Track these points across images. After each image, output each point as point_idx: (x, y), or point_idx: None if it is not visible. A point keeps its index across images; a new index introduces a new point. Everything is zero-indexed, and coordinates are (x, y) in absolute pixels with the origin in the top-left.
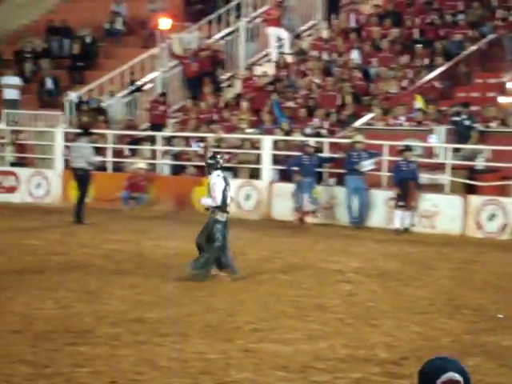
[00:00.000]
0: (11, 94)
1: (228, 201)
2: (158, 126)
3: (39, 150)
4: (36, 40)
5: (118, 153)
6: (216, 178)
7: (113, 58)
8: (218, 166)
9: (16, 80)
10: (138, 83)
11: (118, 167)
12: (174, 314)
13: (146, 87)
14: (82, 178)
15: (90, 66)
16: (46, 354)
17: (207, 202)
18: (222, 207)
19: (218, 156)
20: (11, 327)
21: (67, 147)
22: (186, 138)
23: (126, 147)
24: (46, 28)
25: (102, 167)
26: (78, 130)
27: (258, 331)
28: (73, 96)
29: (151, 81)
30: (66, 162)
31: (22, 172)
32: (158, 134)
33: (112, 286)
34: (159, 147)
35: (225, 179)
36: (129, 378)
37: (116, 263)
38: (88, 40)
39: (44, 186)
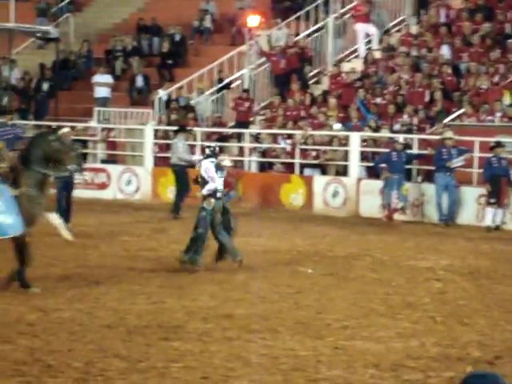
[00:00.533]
0: (102, 92)
1: (219, 187)
2: (243, 123)
3: (130, 147)
4: (126, 38)
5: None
6: (207, 164)
7: (201, 56)
8: (213, 155)
9: (107, 78)
10: (226, 81)
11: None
12: (263, 311)
13: (233, 84)
14: (176, 174)
15: (179, 63)
16: (139, 348)
17: (209, 187)
18: (212, 194)
19: (213, 144)
20: (104, 322)
21: (156, 144)
22: (274, 135)
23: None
24: (137, 26)
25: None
26: (174, 128)
27: (348, 329)
28: (162, 94)
29: (239, 78)
30: (156, 160)
31: (113, 169)
32: (246, 131)
33: (201, 281)
34: (246, 144)
35: (217, 166)
36: (221, 373)
37: (205, 259)
38: (177, 38)
39: (134, 182)
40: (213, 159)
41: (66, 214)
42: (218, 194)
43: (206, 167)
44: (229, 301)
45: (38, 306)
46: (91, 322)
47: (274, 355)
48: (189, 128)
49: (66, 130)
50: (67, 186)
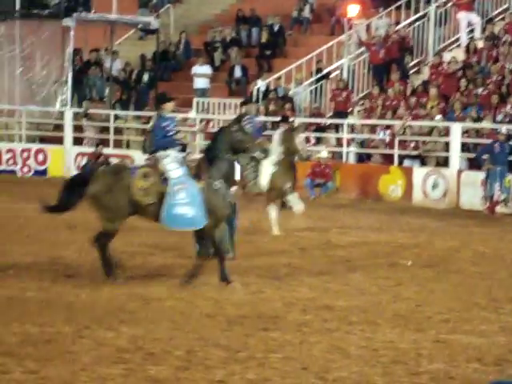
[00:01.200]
0: (201, 83)
1: None
2: (341, 113)
3: None
4: (226, 29)
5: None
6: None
7: (300, 46)
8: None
9: (206, 69)
10: (325, 71)
11: None
12: (362, 303)
13: (332, 75)
14: None
15: (277, 54)
16: (239, 338)
17: None
18: None
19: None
20: (204, 311)
21: None
22: (372, 126)
23: (311, 135)
24: (236, 17)
25: None
26: (277, 119)
27: (449, 322)
28: (260, 84)
29: (337, 68)
30: None
31: None
32: (344, 122)
33: (300, 273)
34: (345, 135)
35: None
36: (320, 364)
37: (303, 250)
38: (276, 28)
39: None
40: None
41: None
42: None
43: None
44: (328, 292)
45: (139, 294)
46: (192, 311)
47: (373, 347)
48: (291, 119)
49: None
50: None
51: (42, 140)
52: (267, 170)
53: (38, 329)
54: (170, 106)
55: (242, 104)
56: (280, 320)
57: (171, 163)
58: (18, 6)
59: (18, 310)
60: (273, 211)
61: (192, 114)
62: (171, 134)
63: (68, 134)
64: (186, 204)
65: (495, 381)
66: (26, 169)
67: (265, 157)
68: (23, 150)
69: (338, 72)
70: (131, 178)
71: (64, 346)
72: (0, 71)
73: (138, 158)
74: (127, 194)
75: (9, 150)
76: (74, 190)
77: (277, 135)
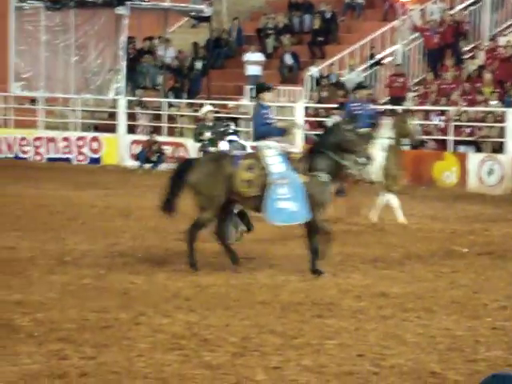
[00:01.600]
0: (254, 70)
1: None
2: (397, 99)
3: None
4: (278, 16)
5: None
6: (223, 144)
7: (353, 32)
8: (227, 132)
9: (258, 56)
10: (378, 57)
11: None
12: (417, 290)
13: (385, 61)
14: None
15: (330, 40)
16: (294, 325)
17: None
18: None
19: (229, 123)
20: (258, 298)
21: (307, 122)
22: (426, 112)
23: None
24: (288, 4)
25: None
26: (334, 105)
27: (507, 309)
28: (313, 71)
29: (391, 54)
30: (306, 138)
31: None
32: (398, 108)
33: (354, 259)
34: None
35: (230, 142)
36: (376, 351)
37: (357, 236)
38: (328, 15)
39: None
40: (230, 137)
41: None
42: None
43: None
44: (383, 279)
45: (194, 281)
46: (246, 298)
47: (430, 334)
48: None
49: (207, 107)
50: None
51: (97, 128)
52: (378, 157)
53: (95, 315)
54: (268, 95)
55: (354, 89)
56: (335, 307)
57: (273, 156)
58: None
59: (74, 297)
60: (394, 199)
61: (245, 101)
62: (270, 122)
63: (122, 122)
64: (288, 199)
65: (493, 373)
66: (81, 157)
67: (367, 164)
68: (78, 138)
69: (391, 58)
70: (234, 167)
71: (121, 333)
72: (55, 60)
73: (191, 145)
74: (228, 184)
75: (64, 139)
76: (178, 179)
77: (387, 120)
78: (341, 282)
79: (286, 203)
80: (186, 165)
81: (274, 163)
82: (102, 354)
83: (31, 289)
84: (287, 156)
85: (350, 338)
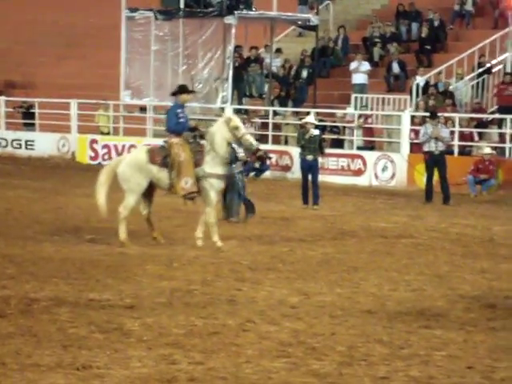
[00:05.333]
0: (359, 79)
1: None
2: (507, 108)
3: (386, 133)
4: (384, 25)
5: (464, 136)
6: None
7: (462, 41)
8: None
9: (364, 65)
10: (487, 65)
11: (464, 151)
12: None
13: (495, 69)
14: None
15: (437, 48)
16: (401, 335)
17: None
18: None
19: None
20: (365, 307)
21: (413, 131)
22: None
23: (473, 130)
24: (396, 12)
25: (449, 151)
26: (425, 114)
27: None
28: (420, 79)
29: (501, 62)
30: (412, 146)
31: (369, 155)
32: (508, 117)
33: (462, 270)
34: (508, 130)
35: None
36: (486, 364)
37: (465, 247)
38: (436, 23)
39: (390, 169)
40: None
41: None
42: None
43: None
44: (492, 291)
45: (299, 289)
46: (352, 307)
47: None
48: (439, 114)
49: (310, 118)
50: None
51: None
52: None
53: (202, 321)
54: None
55: None
56: (442, 318)
57: None
58: (182, 5)
59: (182, 303)
60: None
61: (350, 110)
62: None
63: None
64: None
65: None
66: None
67: None
68: None
69: (500, 66)
70: None
71: (228, 339)
72: (164, 69)
73: (295, 153)
74: None
75: None
76: None
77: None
78: (449, 293)
79: None
80: None
81: None
82: (210, 359)
83: (141, 293)
84: None
85: (459, 349)
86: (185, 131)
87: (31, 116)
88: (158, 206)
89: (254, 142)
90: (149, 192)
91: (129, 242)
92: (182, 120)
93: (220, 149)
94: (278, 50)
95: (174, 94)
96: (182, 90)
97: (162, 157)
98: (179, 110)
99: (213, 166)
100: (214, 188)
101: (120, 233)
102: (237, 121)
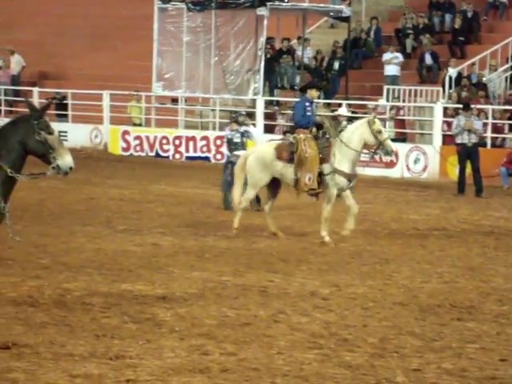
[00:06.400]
0: (392, 70)
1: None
2: None
3: (418, 125)
4: (417, 16)
5: (497, 128)
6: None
7: (495, 32)
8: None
9: (397, 56)
10: None
11: (497, 143)
12: None
13: None
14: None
15: (471, 40)
16: (433, 327)
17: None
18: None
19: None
20: (397, 299)
21: (446, 122)
22: None
23: (506, 122)
24: (429, 3)
25: (481, 143)
26: (458, 105)
27: None
28: (453, 71)
29: None
30: (444, 138)
31: (401, 147)
32: None
33: (495, 263)
34: None
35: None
36: None
37: (497, 240)
38: (470, 14)
39: (422, 161)
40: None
41: None
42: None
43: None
44: None
45: (331, 280)
46: (384, 299)
47: None
48: (472, 106)
49: (342, 109)
50: None
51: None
52: None
53: (234, 312)
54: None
55: None
56: (475, 310)
57: None
58: None
59: (214, 293)
60: None
61: (382, 101)
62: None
63: (259, 122)
64: None
65: None
66: (218, 156)
67: None
68: (217, 138)
69: None
70: None
71: (260, 330)
72: (196, 60)
73: None
74: None
75: (203, 138)
76: None
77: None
78: (481, 286)
79: None
80: None
81: None
82: (242, 350)
83: (173, 284)
84: None
85: (492, 342)
86: (311, 126)
87: (64, 107)
88: (191, 198)
89: (394, 149)
90: (274, 187)
91: (237, 231)
92: (308, 114)
93: (355, 147)
94: (307, 41)
95: (303, 89)
96: (312, 85)
97: (288, 153)
98: (307, 104)
99: (342, 163)
100: (336, 185)
101: (235, 221)
102: (379, 124)
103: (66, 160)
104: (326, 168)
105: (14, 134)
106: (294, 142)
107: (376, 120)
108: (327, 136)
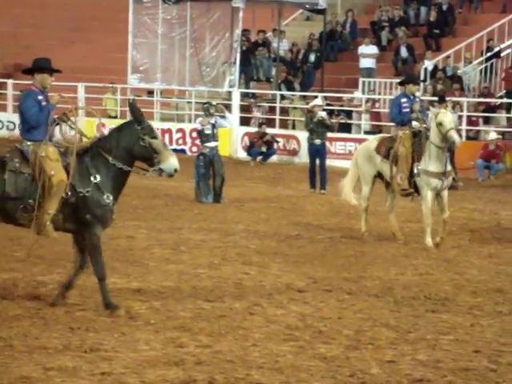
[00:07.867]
0: (367, 63)
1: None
2: None
3: None
4: (393, 8)
5: (472, 121)
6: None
7: (470, 25)
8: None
9: (372, 49)
10: (496, 49)
11: (472, 135)
12: None
13: (503, 53)
14: None
15: (446, 33)
16: (408, 319)
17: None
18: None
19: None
20: (372, 291)
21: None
22: None
23: (480, 115)
24: None
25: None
26: (433, 98)
27: None
28: (428, 64)
29: (509, 47)
30: None
31: None
32: None
33: (469, 255)
34: None
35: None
36: (493, 348)
37: (472, 232)
38: (445, 7)
39: None
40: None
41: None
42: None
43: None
44: (499, 275)
45: (307, 273)
46: (359, 291)
47: None
48: (448, 99)
49: (317, 101)
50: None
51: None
52: None
53: (209, 304)
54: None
55: None
56: (450, 302)
57: None
58: None
59: (190, 286)
60: None
61: (358, 94)
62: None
63: (235, 114)
64: None
65: None
66: (194, 148)
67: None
68: (192, 130)
69: (509, 51)
70: None
71: (235, 322)
72: (171, 53)
73: (303, 137)
74: None
75: (179, 130)
76: None
77: None
78: (456, 278)
79: None
80: None
81: None
82: (217, 342)
83: (148, 277)
84: None
85: (466, 333)
86: (408, 122)
87: None
88: (167, 190)
89: (458, 140)
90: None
91: (367, 234)
92: (405, 110)
93: (437, 143)
94: (281, 33)
95: (402, 83)
96: (410, 80)
97: (386, 148)
98: (404, 100)
99: (427, 163)
100: (428, 186)
101: (361, 226)
102: (440, 116)
103: (170, 163)
104: (416, 168)
105: (120, 141)
106: (393, 138)
107: (440, 112)
108: (428, 134)
